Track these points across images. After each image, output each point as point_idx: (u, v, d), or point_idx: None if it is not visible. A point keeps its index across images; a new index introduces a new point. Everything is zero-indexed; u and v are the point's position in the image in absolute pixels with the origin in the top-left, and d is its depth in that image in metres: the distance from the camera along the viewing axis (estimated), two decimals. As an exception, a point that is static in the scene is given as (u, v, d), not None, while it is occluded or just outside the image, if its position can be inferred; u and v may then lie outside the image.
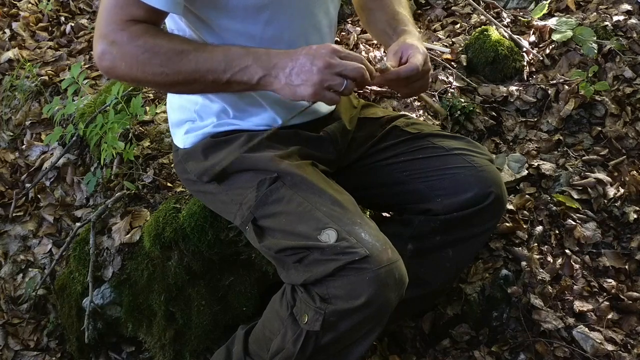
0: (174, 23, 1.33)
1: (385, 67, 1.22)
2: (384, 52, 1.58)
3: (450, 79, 2.18)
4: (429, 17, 2.60)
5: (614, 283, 1.77)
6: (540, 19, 2.37)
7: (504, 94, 2.20)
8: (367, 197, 1.51)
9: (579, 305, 1.71)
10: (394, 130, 1.52)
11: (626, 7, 2.38)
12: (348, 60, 1.13)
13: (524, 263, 1.76)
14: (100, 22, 1.17)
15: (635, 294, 1.76)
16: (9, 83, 2.50)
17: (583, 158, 2.05)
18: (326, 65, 1.11)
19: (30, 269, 2.07)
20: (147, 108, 2.03)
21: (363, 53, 2.27)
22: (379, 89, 2.06)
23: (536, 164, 2.02)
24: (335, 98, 1.15)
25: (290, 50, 1.17)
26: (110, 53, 1.15)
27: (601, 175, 1.98)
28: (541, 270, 1.76)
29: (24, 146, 2.35)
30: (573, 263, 1.79)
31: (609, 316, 1.70)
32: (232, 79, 1.17)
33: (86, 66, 2.47)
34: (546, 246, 1.84)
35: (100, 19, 1.17)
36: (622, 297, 1.74)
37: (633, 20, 2.30)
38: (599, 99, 2.14)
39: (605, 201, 1.93)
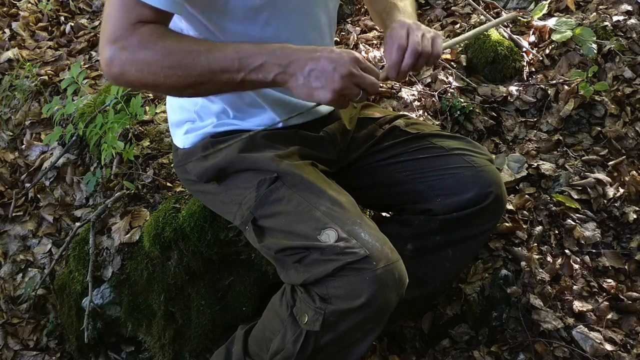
0: (173, 25, 1.32)
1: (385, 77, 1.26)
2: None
3: (450, 79, 2.18)
4: (428, 17, 2.60)
5: (613, 283, 1.77)
6: (540, 19, 2.37)
7: (504, 94, 2.20)
8: (367, 197, 1.51)
9: (578, 305, 1.71)
10: (394, 130, 1.52)
11: (626, 7, 2.37)
12: (367, 74, 1.14)
13: (523, 263, 1.76)
14: (107, 28, 1.12)
15: (634, 294, 1.76)
16: (9, 83, 2.49)
17: (583, 158, 2.05)
18: (349, 73, 1.10)
19: (29, 269, 2.07)
20: (147, 108, 2.04)
21: (363, 53, 2.27)
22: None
23: (536, 164, 2.02)
24: (345, 105, 1.17)
25: (307, 47, 1.14)
26: (120, 59, 1.11)
27: (601, 176, 1.98)
28: (541, 270, 1.76)
29: (23, 146, 2.35)
30: (572, 263, 1.79)
31: (609, 316, 1.70)
32: (246, 78, 1.13)
33: (86, 66, 2.47)
34: (546, 246, 1.83)
35: (106, 24, 1.13)
36: (621, 297, 1.74)
37: (633, 21, 2.30)
38: (599, 99, 2.14)
39: (605, 201, 1.93)
